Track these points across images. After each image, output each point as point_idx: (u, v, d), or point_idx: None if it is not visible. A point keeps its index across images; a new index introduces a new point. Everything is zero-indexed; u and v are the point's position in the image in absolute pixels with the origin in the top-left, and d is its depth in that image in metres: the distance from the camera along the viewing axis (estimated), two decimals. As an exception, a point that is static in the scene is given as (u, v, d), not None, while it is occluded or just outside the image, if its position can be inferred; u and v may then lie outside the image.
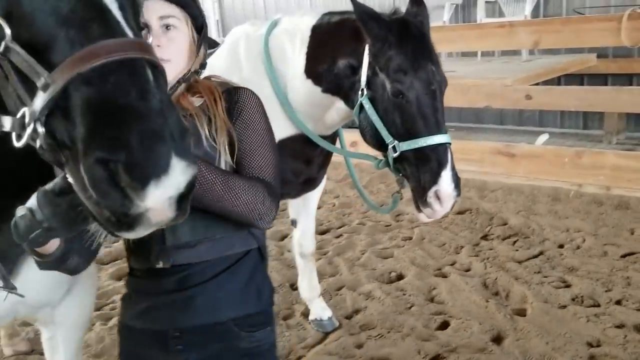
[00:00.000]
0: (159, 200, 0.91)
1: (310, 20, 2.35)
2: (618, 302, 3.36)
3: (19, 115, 0.98)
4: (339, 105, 2.31)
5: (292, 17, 2.49)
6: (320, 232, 4.74)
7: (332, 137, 2.66)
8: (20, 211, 1.09)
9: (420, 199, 2.06)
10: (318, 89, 2.31)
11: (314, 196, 3.07)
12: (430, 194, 2.00)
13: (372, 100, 2.07)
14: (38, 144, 0.97)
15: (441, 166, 1.99)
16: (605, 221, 4.50)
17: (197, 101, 1.50)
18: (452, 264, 3.99)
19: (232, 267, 1.50)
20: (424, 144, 1.98)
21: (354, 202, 5.36)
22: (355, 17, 2.03)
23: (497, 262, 3.97)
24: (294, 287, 3.70)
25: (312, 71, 2.30)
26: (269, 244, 4.49)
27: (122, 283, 3.76)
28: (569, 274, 3.74)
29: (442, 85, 2.06)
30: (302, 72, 2.33)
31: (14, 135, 1.00)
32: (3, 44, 0.96)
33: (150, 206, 0.91)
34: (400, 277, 3.88)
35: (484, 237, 4.44)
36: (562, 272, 3.77)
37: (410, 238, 4.49)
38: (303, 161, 2.60)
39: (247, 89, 1.57)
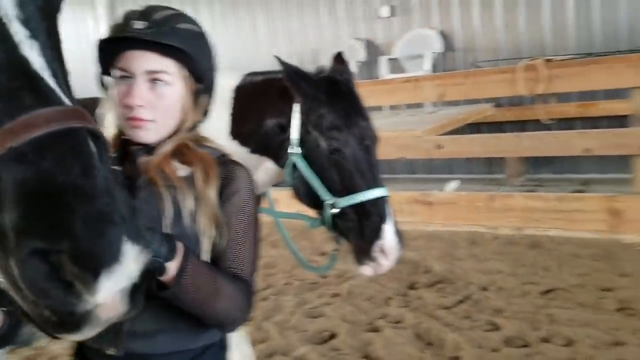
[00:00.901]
0: (110, 293, 0.77)
1: (233, 81, 2.30)
2: (546, 340, 3.44)
3: None
4: (268, 165, 2.25)
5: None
6: (246, 296, 4.56)
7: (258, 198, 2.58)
8: None
9: (364, 254, 2.02)
10: (245, 150, 2.24)
11: None
12: (376, 248, 1.97)
13: (306, 158, 2.03)
14: None
15: (383, 220, 1.98)
16: (522, 261, 4.68)
17: (182, 169, 1.32)
18: (383, 317, 3.95)
19: None
20: (364, 199, 1.97)
21: (277, 262, 5.24)
22: (284, 76, 2.01)
23: (427, 310, 3.98)
24: None
25: (238, 132, 2.23)
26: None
27: None
28: (496, 316, 3.81)
29: (374, 140, 2.07)
30: (226, 134, 2.26)
31: None
32: None
33: (101, 301, 0.77)
34: (333, 335, 3.78)
35: (411, 287, 4.46)
36: (490, 314, 3.84)
37: (339, 294, 4.42)
38: None
39: (243, 167, 1.40)
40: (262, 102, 2.18)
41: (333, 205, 2.00)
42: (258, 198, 2.30)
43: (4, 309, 1.07)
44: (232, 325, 1.31)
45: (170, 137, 1.34)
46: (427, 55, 7.74)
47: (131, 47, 1.27)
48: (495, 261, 4.72)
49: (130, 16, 1.30)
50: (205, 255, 1.28)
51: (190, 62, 1.32)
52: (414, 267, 4.79)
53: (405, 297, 4.25)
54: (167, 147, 1.32)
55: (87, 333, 0.81)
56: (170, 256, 1.12)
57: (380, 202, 1.98)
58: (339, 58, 2.16)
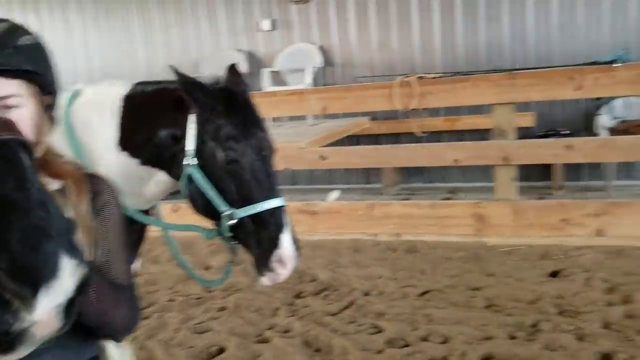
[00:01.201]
0: (48, 309, 0.75)
1: (122, 90, 2.22)
2: (424, 339, 3.67)
3: None
4: (160, 177, 2.19)
5: (98, 87, 2.32)
6: (128, 314, 4.36)
7: (147, 212, 2.50)
8: None
9: (262, 264, 2.04)
10: (135, 161, 2.17)
11: None
12: (273, 258, 2.00)
13: (202, 169, 2.01)
14: None
15: (280, 229, 2.02)
16: (401, 265, 4.95)
17: (52, 183, 1.26)
18: (272, 327, 3.98)
19: None
20: (262, 209, 1.99)
21: (159, 278, 5.07)
22: (180, 86, 1.98)
23: (314, 318, 4.07)
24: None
25: (128, 143, 2.15)
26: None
27: None
28: (378, 319, 3.99)
29: (271, 151, 2.10)
30: (114, 145, 2.17)
31: None
32: None
33: (39, 318, 0.75)
34: (221, 350, 3.73)
35: (298, 296, 4.53)
36: (373, 318, 4.01)
37: (226, 308, 4.38)
38: None
39: (106, 179, 1.43)
40: (154, 112, 2.12)
41: (230, 216, 2.00)
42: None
43: None
44: (127, 332, 1.35)
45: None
46: (308, 69, 7.94)
47: None
48: (376, 267, 4.95)
49: None
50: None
51: (38, 78, 1.25)
52: (300, 276, 4.87)
53: (292, 307, 4.31)
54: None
55: (21, 352, 0.77)
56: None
57: (278, 212, 2.01)
58: (233, 70, 2.17)
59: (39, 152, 1.25)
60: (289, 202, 2.20)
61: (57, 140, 2.18)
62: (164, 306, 4.53)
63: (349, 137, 7.58)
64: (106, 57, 9.36)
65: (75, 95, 2.30)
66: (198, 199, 2.05)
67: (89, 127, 2.21)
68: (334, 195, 6.92)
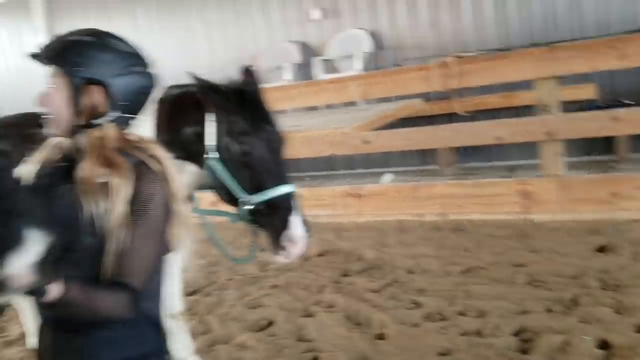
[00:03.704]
0: (18, 266, 1.08)
1: (156, 93, 2.54)
2: (461, 314, 3.82)
3: None
4: (191, 169, 2.50)
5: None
6: (189, 294, 4.77)
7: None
8: None
9: (275, 244, 2.31)
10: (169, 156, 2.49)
11: (172, 258, 3.17)
12: (284, 238, 2.26)
13: (221, 162, 2.30)
14: None
15: (290, 212, 2.27)
16: (445, 244, 5.09)
17: (103, 175, 1.49)
18: (317, 303, 4.25)
19: None
20: (273, 195, 2.26)
21: (221, 260, 5.46)
22: (197, 89, 2.27)
23: (357, 294, 4.31)
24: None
25: (162, 139, 2.47)
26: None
27: None
28: (418, 295, 4.17)
29: (280, 143, 2.36)
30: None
31: None
32: None
33: (11, 272, 1.08)
34: (270, 323, 4.05)
35: (344, 274, 4.79)
36: (413, 294, 4.20)
37: (278, 285, 4.71)
38: None
39: (156, 176, 1.53)
40: (180, 112, 2.43)
41: (247, 202, 2.28)
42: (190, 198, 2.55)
43: None
44: (117, 319, 1.52)
45: (74, 130, 1.55)
46: (357, 55, 8.10)
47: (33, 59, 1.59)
48: (421, 246, 5.11)
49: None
50: (110, 257, 1.48)
51: (55, 62, 1.54)
52: (347, 256, 5.12)
53: (338, 284, 4.57)
54: (90, 157, 1.52)
55: (4, 297, 1.14)
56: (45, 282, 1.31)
57: (288, 197, 2.27)
58: (247, 71, 2.43)
59: (88, 139, 1.52)
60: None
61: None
62: (223, 284, 4.93)
63: (405, 119, 7.68)
64: (171, 56, 9.89)
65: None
66: (220, 188, 2.35)
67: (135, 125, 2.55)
68: (387, 178, 7.09)
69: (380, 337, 3.64)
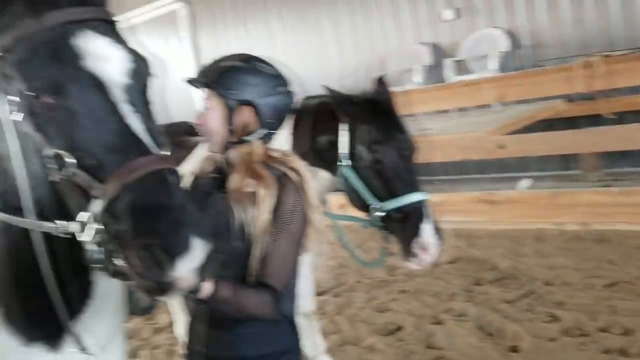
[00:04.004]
0: (184, 270, 1.21)
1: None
2: (604, 330, 3.57)
3: (81, 218, 1.30)
4: (324, 175, 2.61)
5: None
6: (319, 294, 4.93)
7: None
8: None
9: (407, 251, 2.34)
10: (304, 164, 2.62)
11: (305, 258, 3.31)
12: (416, 245, 2.29)
13: (354, 169, 2.38)
14: (95, 237, 1.28)
15: (422, 219, 2.29)
16: (587, 255, 4.76)
17: (250, 184, 1.68)
18: (447, 311, 4.20)
19: None
20: (404, 202, 2.29)
21: (349, 262, 5.57)
22: (331, 100, 2.37)
23: (490, 304, 4.18)
24: (299, 348, 3.88)
25: (297, 148, 2.61)
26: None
27: None
28: (557, 308, 3.96)
29: (412, 151, 2.39)
30: (288, 149, 2.65)
31: (81, 233, 1.31)
32: (68, 170, 1.29)
33: (178, 276, 1.21)
34: (399, 328, 4.07)
35: (476, 283, 4.66)
36: (551, 307, 3.99)
37: (406, 290, 4.71)
38: None
39: (293, 186, 1.69)
40: (315, 122, 2.55)
41: (379, 209, 2.33)
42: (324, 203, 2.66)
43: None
44: (262, 318, 1.69)
45: (227, 145, 1.73)
46: (492, 55, 7.81)
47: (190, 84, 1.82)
48: (560, 257, 4.83)
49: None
50: (255, 260, 1.66)
51: (212, 87, 1.72)
52: (480, 264, 4.99)
53: (469, 293, 4.47)
54: (238, 166, 1.72)
55: (172, 296, 1.27)
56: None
57: (419, 204, 2.29)
58: (380, 81, 2.49)
59: (237, 156, 1.71)
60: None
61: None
62: (352, 287, 5.03)
63: (542, 121, 7.27)
64: (302, 61, 10.24)
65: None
66: (352, 194, 2.43)
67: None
68: (524, 183, 6.75)
69: (514, 349, 3.51)
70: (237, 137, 1.71)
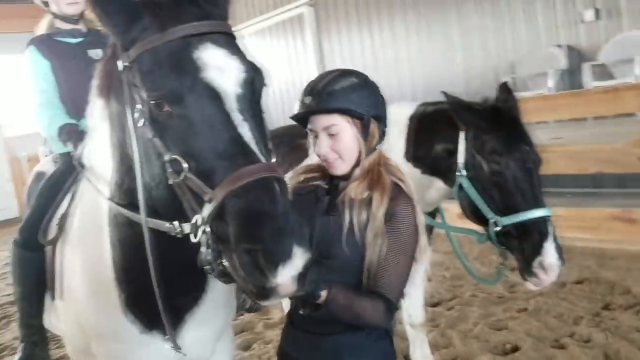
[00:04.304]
0: (285, 277, 1.23)
1: (408, 110, 2.63)
2: None
3: (193, 220, 1.38)
4: (438, 184, 2.52)
5: (390, 107, 2.77)
6: (432, 305, 4.80)
7: (433, 213, 2.85)
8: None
9: (525, 270, 2.19)
10: (417, 171, 2.55)
11: (419, 268, 3.23)
12: (535, 264, 2.13)
13: (470, 180, 2.26)
14: (205, 239, 1.35)
15: (543, 238, 2.12)
16: None
17: (365, 191, 1.72)
18: (570, 335, 3.88)
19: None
20: (525, 218, 2.14)
21: (465, 275, 5.36)
22: (449, 107, 2.28)
23: (620, 332, 3.80)
24: (407, 358, 3.79)
25: (412, 155, 2.55)
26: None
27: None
28: None
29: (537, 163, 2.22)
30: (401, 157, 2.59)
31: (191, 235, 1.39)
32: (182, 174, 1.37)
33: (279, 282, 1.23)
34: (515, 348, 3.84)
35: (605, 307, 4.27)
36: (697, 342, 3.55)
37: (526, 309, 4.43)
38: None
39: (409, 198, 1.73)
40: (432, 130, 2.47)
41: (496, 223, 2.20)
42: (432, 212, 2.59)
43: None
44: (375, 327, 1.71)
45: (356, 164, 1.76)
46: (638, 60, 7.13)
47: (312, 114, 1.74)
48: None
49: (303, 93, 1.76)
50: (368, 264, 1.67)
51: (348, 113, 1.71)
52: (610, 287, 4.56)
53: (596, 318, 4.10)
54: (357, 171, 1.75)
55: (273, 301, 1.30)
56: (319, 288, 1.56)
57: (541, 221, 2.12)
58: (504, 87, 2.35)
59: (362, 167, 1.74)
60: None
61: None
62: (466, 300, 4.83)
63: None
64: (427, 65, 10.05)
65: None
66: (468, 206, 2.31)
67: (386, 140, 2.68)
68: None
69: (646, 385, 3.17)
70: (368, 151, 1.74)
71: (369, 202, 1.68)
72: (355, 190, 1.71)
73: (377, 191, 1.68)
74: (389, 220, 1.66)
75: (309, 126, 1.77)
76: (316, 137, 1.75)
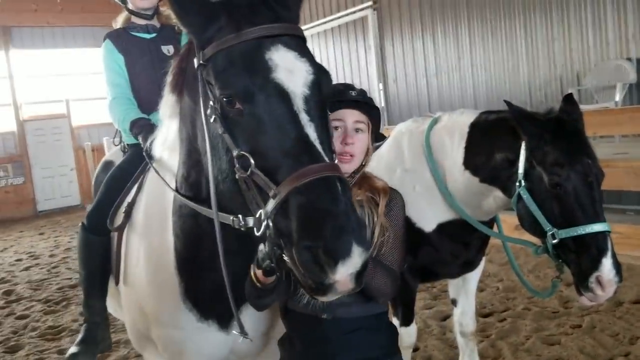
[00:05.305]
0: (344, 275, 1.28)
1: (469, 118, 2.65)
2: None
3: (257, 215, 1.44)
4: (497, 194, 2.53)
5: (452, 114, 2.81)
6: (483, 315, 4.76)
7: (490, 222, 2.85)
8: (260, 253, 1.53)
9: (581, 284, 2.17)
10: (476, 179, 2.56)
11: (473, 277, 3.23)
12: (592, 279, 2.11)
13: (529, 191, 2.27)
14: (267, 233, 1.41)
15: (602, 253, 2.10)
16: None
17: (359, 194, 1.85)
18: (625, 355, 3.78)
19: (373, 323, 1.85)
20: (583, 232, 2.13)
21: (518, 287, 5.28)
22: (511, 117, 2.29)
23: (681, 357, 3.68)
24: (456, 366, 3.79)
25: (471, 163, 2.56)
26: (431, 323, 4.64)
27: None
28: None
29: (599, 177, 2.20)
30: (460, 164, 2.62)
31: (255, 228, 1.45)
32: (250, 169, 1.44)
33: (338, 279, 1.29)
34: (567, 365, 3.78)
35: (668, 329, 4.13)
36: None
37: (580, 326, 4.33)
38: (461, 244, 2.82)
39: (397, 191, 1.93)
40: (493, 138, 2.48)
41: (554, 236, 2.19)
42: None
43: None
44: (382, 298, 1.80)
45: (358, 168, 1.90)
46: None
47: (346, 107, 1.86)
48: None
49: (346, 88, 1.92)
50: (375, 250, 1.78)
51: (373, 118, 1.90)
52: (675, 309, 4.40)
53: (655, 339, 3.98)
54: (357, 177, 1.90)
55: (330, 297, 1.35)
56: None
57: (600, 236, 2.11)
58: (568, 99, 2.34)
59: (364, 168, 1.90)
60: None
61: (415, 157, 2.78)
62: (519, 313, 4.76)
63: None
64: (490, 73, 9.89)
65: (435, 121, 2.85)
66: (525, 217, 2.31)
67: (443, 147, 2.72)
68: None
69: None
70: (370, 154, 1.93)
71: (370, 201, 1.83)
72: (355, 191, 1.82)
73: (381, 192, 1.84)
74: (388, 211, 1.84)
75: (335, 117, 1.85)
76: (335, 129, 1.85)
